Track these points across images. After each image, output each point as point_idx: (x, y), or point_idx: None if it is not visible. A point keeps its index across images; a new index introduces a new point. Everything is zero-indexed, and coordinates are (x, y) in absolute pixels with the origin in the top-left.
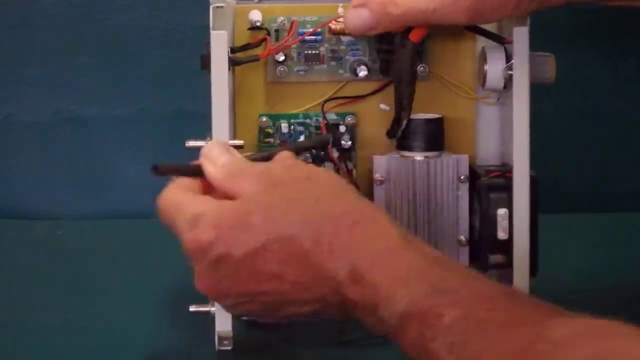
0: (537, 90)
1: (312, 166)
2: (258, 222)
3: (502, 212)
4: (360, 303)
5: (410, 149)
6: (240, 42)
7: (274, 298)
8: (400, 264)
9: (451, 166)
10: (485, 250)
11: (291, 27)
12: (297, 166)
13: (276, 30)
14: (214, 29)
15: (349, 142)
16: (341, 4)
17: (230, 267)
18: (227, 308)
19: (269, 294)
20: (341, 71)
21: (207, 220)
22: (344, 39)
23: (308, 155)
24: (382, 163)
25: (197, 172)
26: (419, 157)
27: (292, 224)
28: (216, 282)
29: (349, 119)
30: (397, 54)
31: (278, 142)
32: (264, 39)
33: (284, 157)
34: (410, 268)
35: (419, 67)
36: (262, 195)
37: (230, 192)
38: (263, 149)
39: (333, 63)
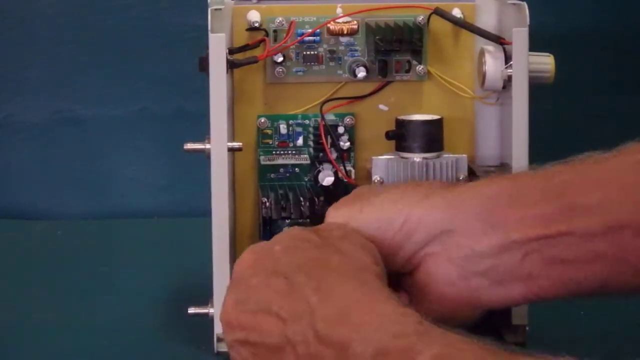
0: (536, 91)
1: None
2: None
3: None
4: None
5: (409, 150)
6: (238, 43)
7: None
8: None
9: (450, 167)
10: None
11: (290, 27)
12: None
13: (274, 31)
14: (212, 32)
15: (348, 143)
16: (339, 5)
17: None
18: None
19: None
20: (340, 72)
21: None
22: (343, 39)
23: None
24: (381, 164)
25: None
26: (417, 158)
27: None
28: None
29: (347, 119)
30: None
31: (277, 143)
32: (263, 40)
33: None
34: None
35: (418, 67)
36: None
37: None
38: (262, 150)
39: (332, 64)
